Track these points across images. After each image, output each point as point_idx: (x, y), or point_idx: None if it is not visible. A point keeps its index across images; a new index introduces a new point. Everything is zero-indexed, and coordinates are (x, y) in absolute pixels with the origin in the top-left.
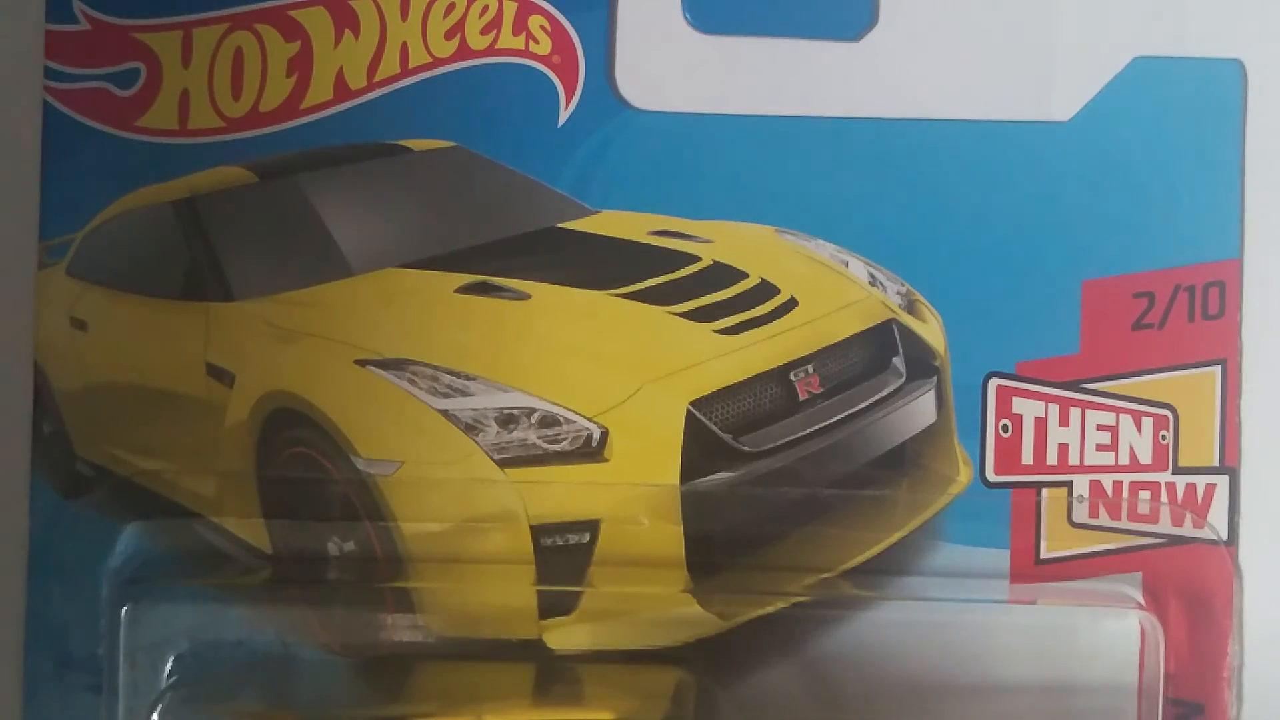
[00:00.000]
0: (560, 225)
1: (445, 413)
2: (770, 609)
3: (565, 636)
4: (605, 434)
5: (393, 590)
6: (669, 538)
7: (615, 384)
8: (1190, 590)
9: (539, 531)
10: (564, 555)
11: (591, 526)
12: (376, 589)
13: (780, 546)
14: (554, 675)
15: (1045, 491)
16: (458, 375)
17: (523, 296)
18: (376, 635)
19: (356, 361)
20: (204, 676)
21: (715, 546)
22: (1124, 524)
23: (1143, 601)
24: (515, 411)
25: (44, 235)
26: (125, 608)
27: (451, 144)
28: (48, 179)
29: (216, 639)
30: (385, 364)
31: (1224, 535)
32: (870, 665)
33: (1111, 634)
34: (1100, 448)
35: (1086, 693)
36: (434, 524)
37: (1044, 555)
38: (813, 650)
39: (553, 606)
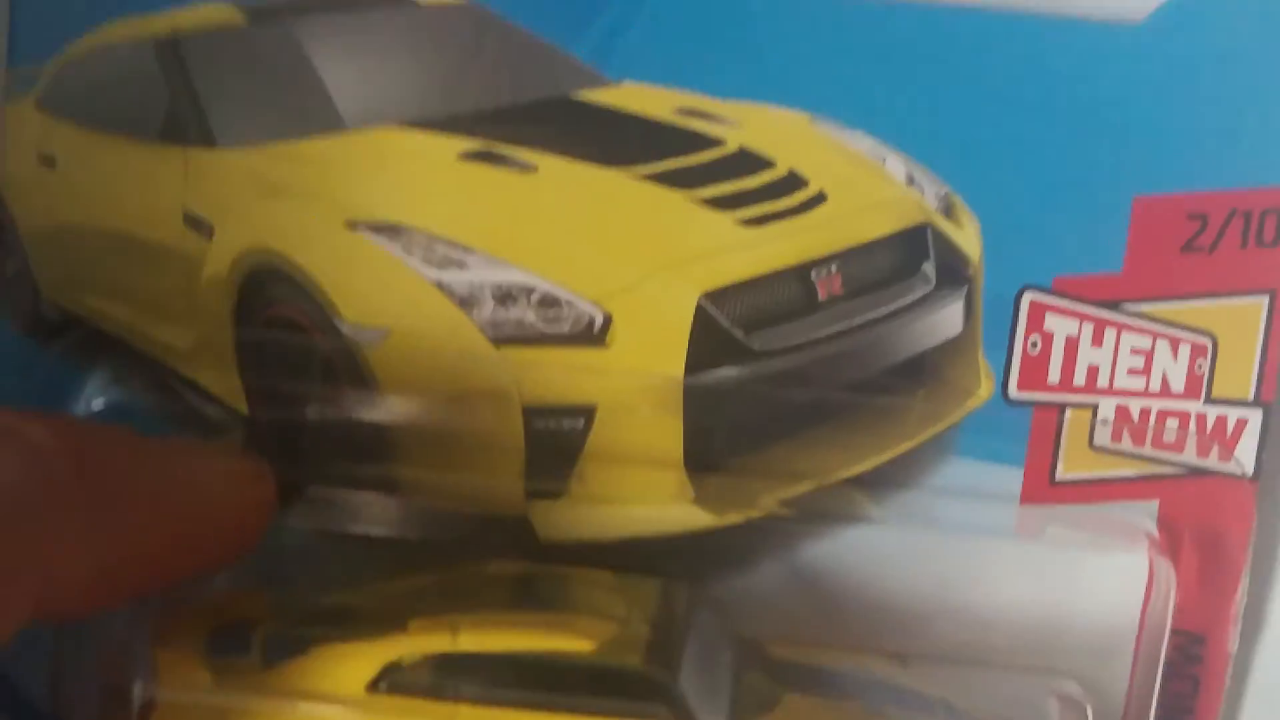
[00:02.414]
0: (576, 95)
1: (439, 284)
2: (766, 511)
3: (553, 522)
4: (608, 319)
5: (374, 462)
6: (667, 430)
7: (623, 268)
8: (1207, 523)
9: (531, 414)
10: (556, 440)
11: (587, 412)
12: (357, 460)
13: (783, 448)
14: (535, 580)
15: (1068, 411)
16: (455, 246)
17: (529, 168)
18: (354, 511)
19: (347, 222)
20: None
21: (715, 443)
22: (1147, 451)
23: (1155, 531)
24: (514, 288)
25: (12, 61)
26: None
27: (463, 0)
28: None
29: None
30: (378, 228)
31: (1250, 471)
32: (866, 580)
33: (1118, 566)
34: (1132, 372)
35: (1087, 623)
36: (420, 397)
37: (1059, 477)
38: (807, 558)
39: (541, 489)
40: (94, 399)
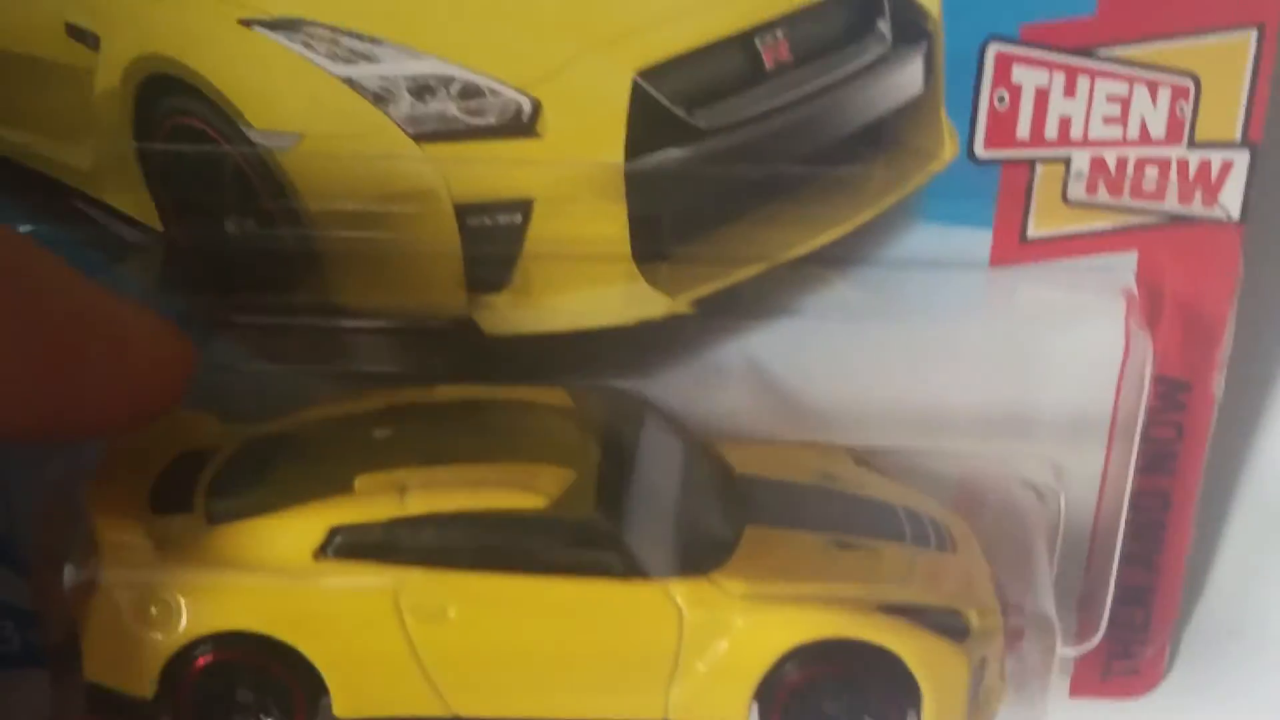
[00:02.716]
0: None
1: (349, 80)
2: (722, 283)
3: (498, 318)
4: (537, 106)
5: (303, 271)
6: (611, 220)
7: (548, 50)
8: (1190, 272)
9: (464, 211)
10: (493, 238)
11: (524, 206)
12: (284, 272)
13: (736, 229)
14: (482, 409)
15: (1040, 167)
16: (361, 39)
17: None
18: (287, 321)
19: (240, 21)
20: None
21: (663, 230)
22: (1125, 202)
23: (1134, 285)
24: (431, 80)
25: None
26: None
27: None
28: None
29: None
30: (274, 24)
31: (1236, 215)
32: (826, 367)
33: (1096, 320)
34: (1108, 120)
35: (1064, 376)
36: (344, 203)
37: (1031, 234)
38: (763, 348)
39: (483, 282)
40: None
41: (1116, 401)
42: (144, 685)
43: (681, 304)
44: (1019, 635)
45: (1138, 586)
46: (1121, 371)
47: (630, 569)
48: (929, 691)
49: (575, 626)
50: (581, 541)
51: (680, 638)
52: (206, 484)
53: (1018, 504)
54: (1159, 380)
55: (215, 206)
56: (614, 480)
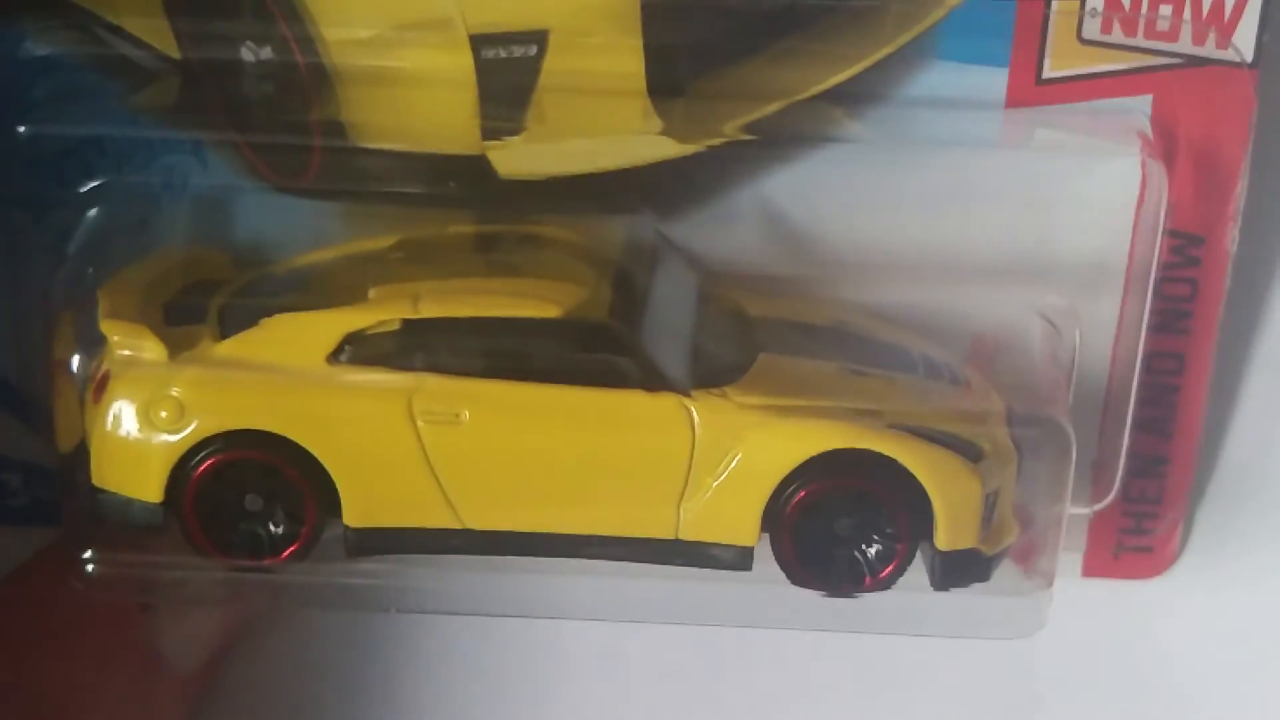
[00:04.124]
0: None
1: None
2: (734, 137)
3: (512, 158)
4: None
5: (319, 104)
6: (627, 53)
7: None
8: (1203, 116)
9: (479, 42)
10: (508, 69)
11: (539, 37)
12: (301, 100)
13: (752, 64)
14: (497, 240)
15: (1055, 3)
16: None
17: None
18: (304, 154)
19: None
20: (124, 211)
21: (679, 65)
22: (1139, 41)
23: (1149, 127)
24: None
25: None
26: (23, 128)
27: None
28: None
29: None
30: None
31: (1249, 58)
32: (840, 205)
33: (1111, 165)
34: None
35: (1080, 225)
36: (359, 30)
37: (1046, 75)
38: (778, 186)
39: (498, 126)
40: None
41: (1132, 250)
42: (150, 489)
43: (697, 143)
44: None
45: (1151, 456)
46: (1137, 217)
47: (644, 378)
48: (941, 509)
49: (588, 435)
50: (596, 347)
51: (692, 450)
52: (220, 303)
53: (1031, 333)
54: (1171, 234)
55: (232, 33)
56: (628, 297)
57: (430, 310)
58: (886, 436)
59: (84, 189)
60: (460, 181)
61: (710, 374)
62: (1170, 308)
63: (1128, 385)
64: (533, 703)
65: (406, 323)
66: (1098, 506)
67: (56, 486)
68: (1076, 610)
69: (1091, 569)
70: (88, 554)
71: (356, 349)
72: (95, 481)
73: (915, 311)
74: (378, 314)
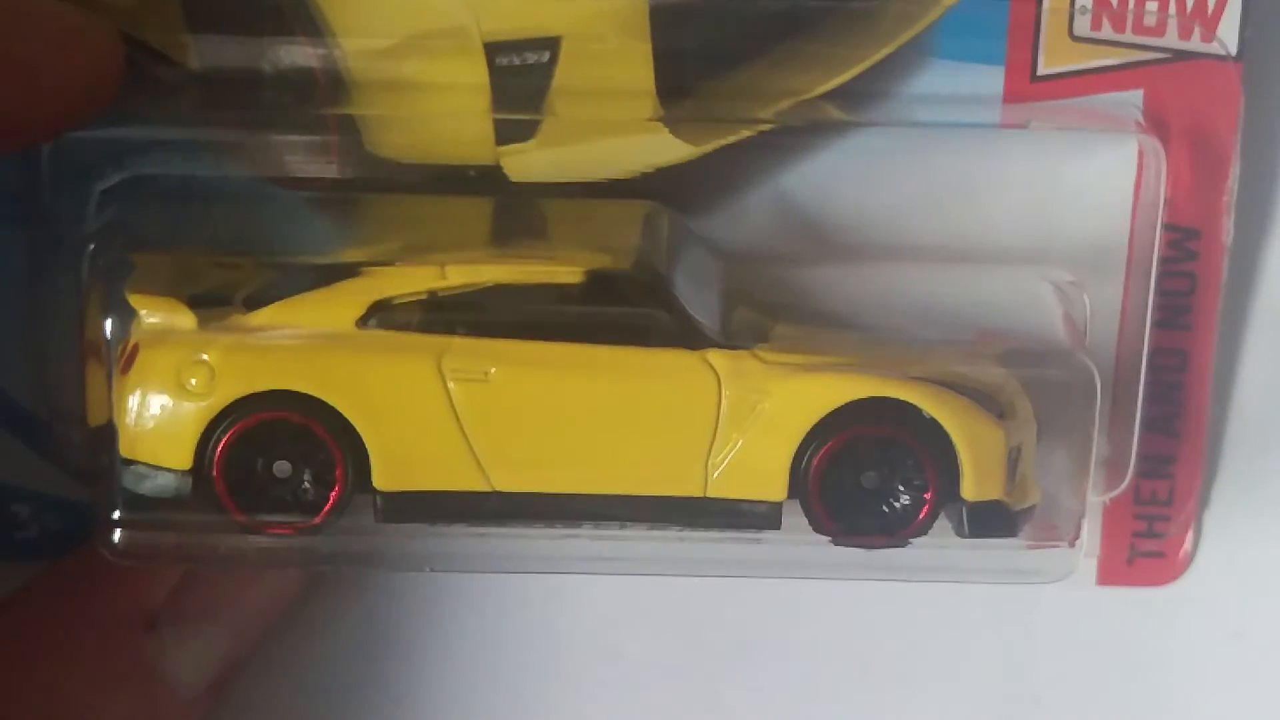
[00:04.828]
0: None
1: None
2: (745, 133)
3: (525, 164)
4: None
5: (336, 115)
6: (637, 57)
7: None
8: (1193, 110)
9: (493, 50)
10: (521, 76)
11: (552, 44)
12: (318, 113)
13: (756, 66)
14: (515, 213)
15: (1046, 1)
16: None
17: None
18: (321, 163)
19: None
20: (139, 215)
21: (687, 67)
22: (1128, 37)
23: (1142, 121)
24: None
25: None
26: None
27: None
28: None
29: (149, 173)
30: None
31: (1233, 51)
32: (850, 192)
33: (1107, 159)
34: None
35: (1079, 219)
36: (376, 40)
37: (1041, 71)
38: (788, 181)
39: (511, 132)
40: None
41: (1131, 241)
42: (179, 457)
43: (706, 146)
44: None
45: (1159, 455)
46: (1134, 208)
47: (670, 335)
48: (967, 459)
49: (617, 392)
50: (628, 298)
51: (719, 406)
52: (244, 293)
53: (1040, 298)
54: (1169, 228)
55: (253, 45)
56: (649, 258)
57: (457, 278)
58: (911, 385)
59: (104, 187)
60: (473, 187)
61: (736, 334)
62: (1170, 303)
63: (1133, 378)
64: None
65: (434, 290)
66: (1113, 492)
67: (68, 514)
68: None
69: (1106, 577)
70: (116, 518)
71: (385, 315)
72: (124, 453)
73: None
74: (405, 283)
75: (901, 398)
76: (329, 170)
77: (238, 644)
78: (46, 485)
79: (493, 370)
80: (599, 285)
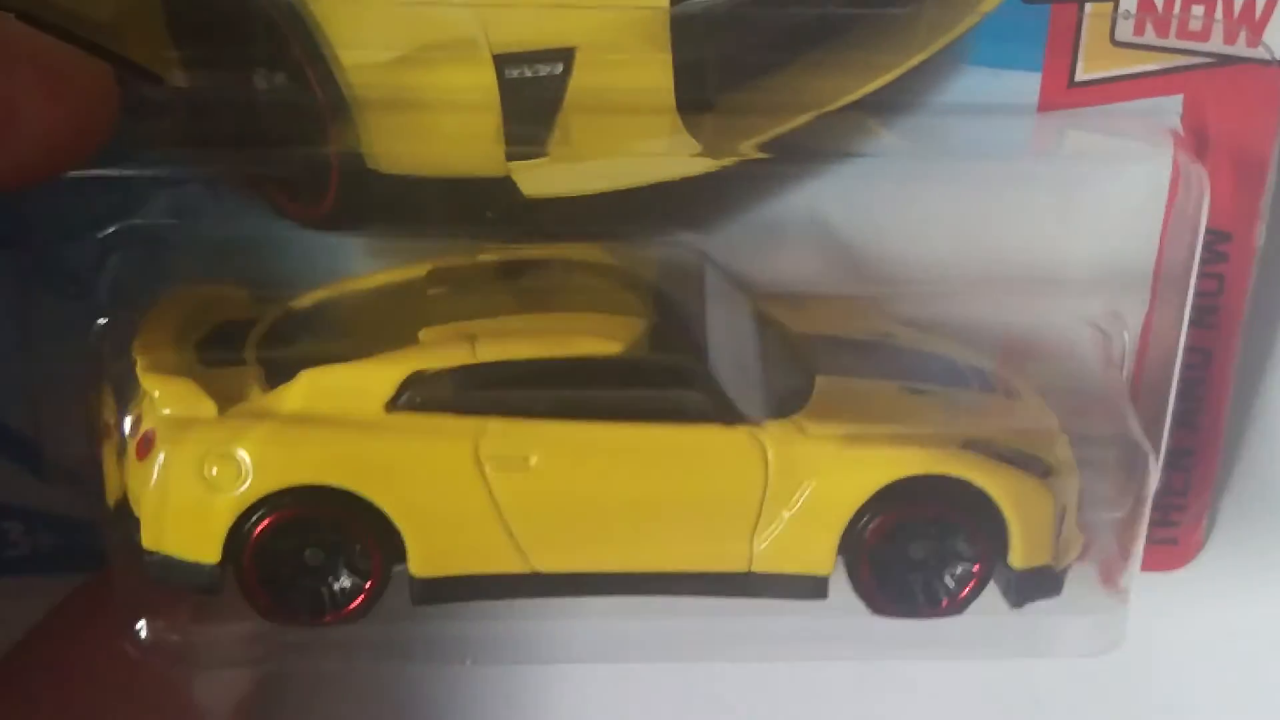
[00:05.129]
0: None
1: None
2: (769, 134)
3: (538, 178)
4: None
5: (336, 128)
6: (656, 68)
7: None
8: (1233, 115)
9: (503, 62)
10: (533, 89)
11: (565, 55)
12: (317, 128)
13: (781, 77)
14: (528, 270)
15: (1089, 6)
16: None
17: None
18: (323, 180)
19: None
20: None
21: (708, 78)
22: (1171, 42)
23: (1180, 126)
24: None
25: None
26: None
27: None
28: None
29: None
30: None
31: (1279, 55)
32: (877, 215)
33: (1142, 170)
34: None
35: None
36: (378, 53)
37: (1079, 78)
38: (814, 198)
39: (523, 149)
40: None
41: (1161, 249)
42: (208, 549)
43: (726, 157)
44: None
45: (1177, 448)
46: (1167, 216)
47: (714, 411)
48: (1016, 527)
49: (659, 472)
50: (666, 382)
51: (766, 481)
52: (256, 344)
53: (1082, 344)
54: (1192, 233)
55: (243, 59)
56: (683, 327)
57: (489, 354)
58: (960, 459)
59: (102, 234)
60: (485, 203)
61: (776, 402)
62: (1198, 303)
63: (1163, 376)
64: None
65: (465, 367)
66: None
67: (60, 530)
68: None
69: None
70: (141, 622)
71: (415, 394)
72: (148, 545)
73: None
74: (435, 359)
75: (951, 474)
76: (328, 194)
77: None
78: (39, 503)
79: (533, 457)
80: (636, 361)
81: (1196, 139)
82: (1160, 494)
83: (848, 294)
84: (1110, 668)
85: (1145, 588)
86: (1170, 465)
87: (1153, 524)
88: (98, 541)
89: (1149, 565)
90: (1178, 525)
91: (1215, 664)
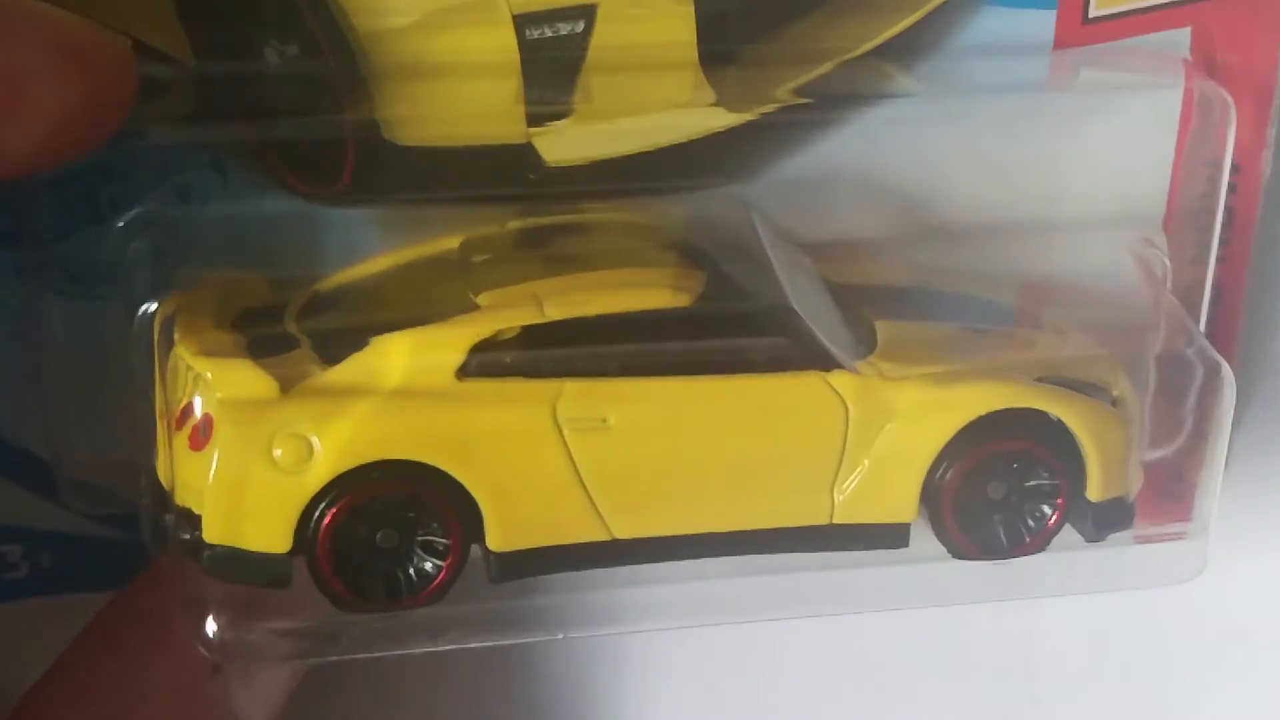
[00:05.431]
0: None
1: None
2: (792, 85)
3: (559, 144)
4: None
5: (352, 100)
6: (678, 22)
7: None
8: (1237, 45)
9: (523, 21)
10: (554, 48)
11: (587, 13)
12: (332, 99)
13: (802, 25)
14: (559, 234)
15: None
16: None
17: None
18: (339, 155)
19: None
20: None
21: (730, 30)
22: None
23: (1190, 57)
24: None
25: None
26: None
27: None
28: None
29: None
30: None
31: None
32: (905, 158)
33: (1154, 103)
34: None
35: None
36: (392, 18)
37: (1093, 14)
38: (839, 147)
39: (543, 112)
40: None
41: (1175, 183)
42: (278, 538)
43: (751, 112)
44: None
45: None
46: (1179, 150)
47: (804, 358)
48: (1094, 459)
49: (741, 424)
50: (751, 331)
51: (846, 428)
52: (296, 325)
53: (1132, 274)
54: (1207, 164)
55: (255, 36)
56: (744, 277)
57: (557, 312)
58: (1039, 392)
59: (120, 222)
60: (506, 171)
61: (848, 348)
62: (1206, 238)
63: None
64: None
65: (534, 327)
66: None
67: (60, 550)
68: None
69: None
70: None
71: (485, 360)
72: (210, 538)
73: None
74: (502, 321)
75: (1030, 406)
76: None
77: (298, 678)
78: (38, 522)
79: (611, 417)
80: (710, 311)
81: (1204, 71)
82: None
83: (870, 242)
84: (1127, 610)
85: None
86: None
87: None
88: (101, 558)
89: (1163, 517)
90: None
91: (1227, 610)
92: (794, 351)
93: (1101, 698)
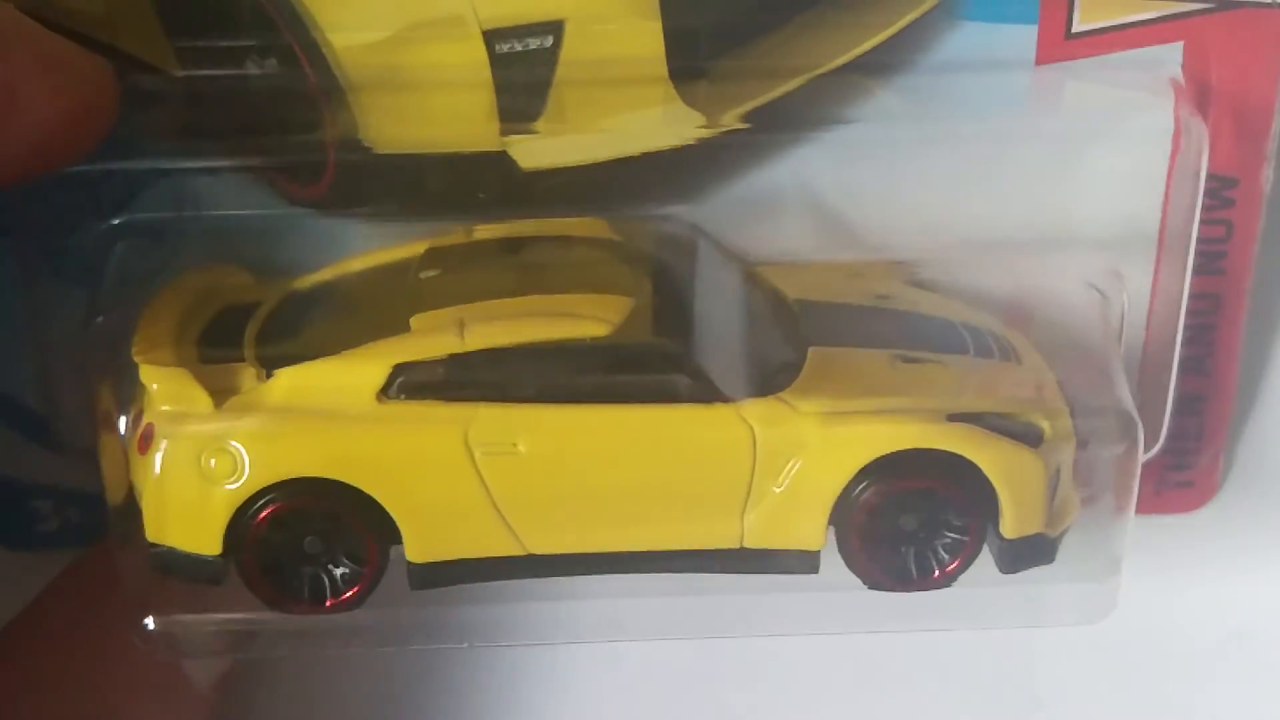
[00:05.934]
0: None
1: None
2: (762, 99)
3: (534, 151)
4: None
5: (330, 110)
6: (646, 37)
7: None
8: (1237, 59)
9: (493, 37)
10: (523, 63)
11: (555, 28)
12: (311, 107)
13: (773, 40)
14: (526, 246)
15: None
16: None
17: None
18: (319, 162)
19: None
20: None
21: (699, 45)
22: None
23: (1180, 74)
24: None
25: None
26: None
27: None
28: None
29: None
30: None
31: None
32: (873, 177)
33: (1142, 124)
34: None
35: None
36: (367, 34)
37: (1076, 28)
38: (807, 166)
39: (517, 125)
40: None
41: (1167, 199)
42: (209, 542)
43: (721, 124)
44: (1092, 441)
45: (1191, 394)
46: (1171, 166)
47: (700, 391)
48: (1007, 498)
49: (648, 453)
50: (650, 366)
51: (754, 459)
52: (254, 334)
53: (1080, 306)
54: (1207, 177)
55: (235, 47)
56: (673, 305)
57: (476, 341)
58: (949, 432)
59: (105, 225)
60: (482, 179)
61: (764, 379)
62: (1206, 249)
63: (1169, 331)
64: None
65: (454, 355)
66: (1145, 457)
67: (87, 506)
68: None
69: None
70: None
71: (406, 382)
72: (151, 537)
73: (953, 278)
74: (424, 349)
75: (940, 447)
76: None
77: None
78: (64, 480)
79: (521, 444)
80: (625, 350)
81: (1198, 86)
82: (1175, 438)
83: (847, 258)
84: (1122, 608)
85: (1163, 528)
86: (1184, 411)
87: (1169, 468)
88: None
89: (1167, 508)
90: (1193, 468)
91: (1229, 602)
92: (692, 386)
93: (1101, 698)
